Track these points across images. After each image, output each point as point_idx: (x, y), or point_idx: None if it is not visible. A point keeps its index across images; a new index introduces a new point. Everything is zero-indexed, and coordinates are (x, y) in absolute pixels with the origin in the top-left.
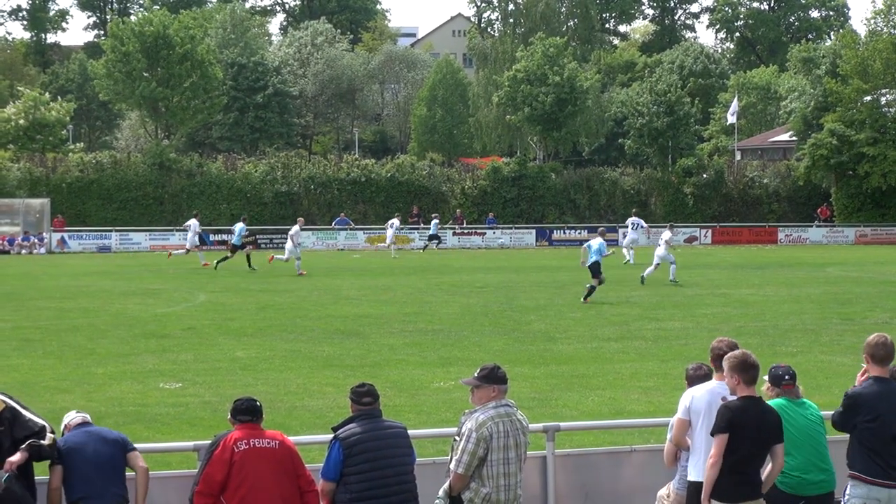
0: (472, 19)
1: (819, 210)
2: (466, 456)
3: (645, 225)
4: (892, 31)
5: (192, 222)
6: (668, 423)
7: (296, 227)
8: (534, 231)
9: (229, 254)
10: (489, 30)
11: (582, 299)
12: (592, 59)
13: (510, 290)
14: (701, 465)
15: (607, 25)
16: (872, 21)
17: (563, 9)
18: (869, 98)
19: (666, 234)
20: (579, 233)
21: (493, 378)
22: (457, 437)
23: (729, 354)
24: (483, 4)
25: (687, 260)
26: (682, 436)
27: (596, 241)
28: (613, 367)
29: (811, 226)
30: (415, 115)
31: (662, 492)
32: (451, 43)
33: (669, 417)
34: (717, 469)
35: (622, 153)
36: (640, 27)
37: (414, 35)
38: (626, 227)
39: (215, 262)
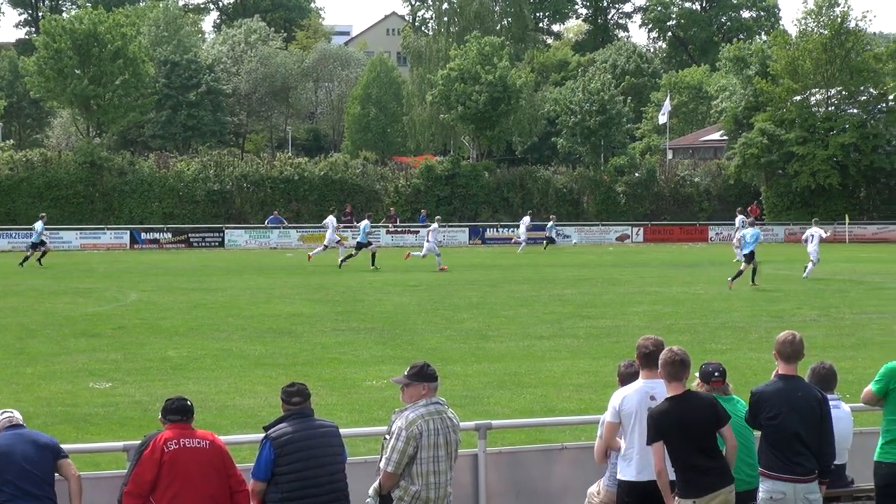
0: (407, 18)
1: (749, 208)
2: (396, 454)
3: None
4: (822, 31)
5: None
6: (599, 421)
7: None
8: (467, 230)
9: (354, 251)
10: (423, 28)
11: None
12: (526, 58)
13: (443, 289)
14: (634, 465)
15: (541, 24)
16: (803, 21)
17: (497, 8)
18: (799, 98)
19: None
20: (511, 231)
21: (422, 376)
22: (387, 436)
23: (662, 352)
24: (417, 3)
25: (618, 258)
26: (613, 438)
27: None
28: (545, 366)
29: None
30: (348, 114)
31: (593, 489)
32: (385, 41)
33: (601, 415)
34: (664, 476)
35: (555, 152)
36: (573, 26)
37: (348, 33)
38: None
39: (339, 260)
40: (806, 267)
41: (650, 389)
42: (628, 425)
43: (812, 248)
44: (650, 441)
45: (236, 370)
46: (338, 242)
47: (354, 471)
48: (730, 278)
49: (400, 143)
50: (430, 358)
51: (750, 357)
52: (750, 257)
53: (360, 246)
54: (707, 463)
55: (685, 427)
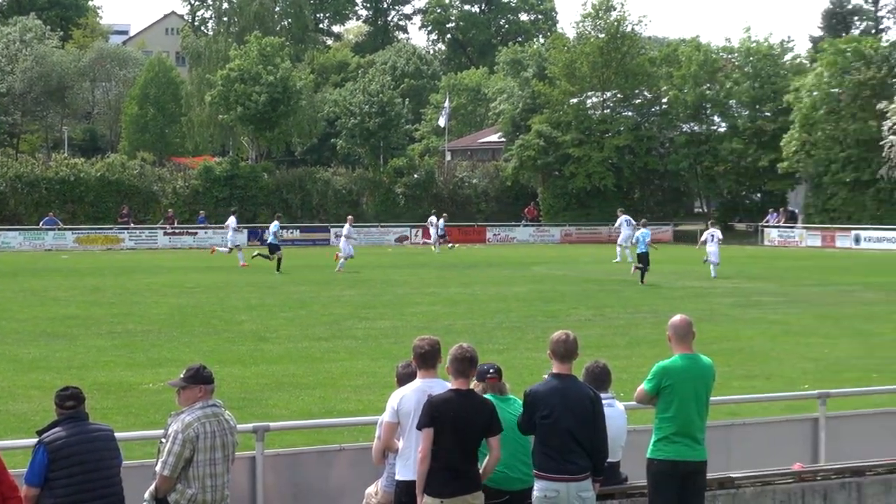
0: (186, 18)
1: (526, 210)
2: (172, 458)
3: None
4: (599, 34)
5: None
6: (377, 422)
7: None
8: (246, 231)
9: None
10: (203, 28)
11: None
12: (306, 58)
13: (221, 291)
14: (411, 464)
15: (321, 25)
16: (580, 24)
17: (278, 8)
18: (575, 100)
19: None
20: (292, 232)
21: (198, 378)
22: (163, 440)
23: (452, 348)
24: (196, 3)
25: (397, 259)
26: (391, 438)
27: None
28: (324, 367)
29: (518, 225)
30: (126, 114)
31: (370, 489)
32: (164, 41)
33: (379, 416)
34: (426, 464)
35: (335, 153)
36: (353, 28)
37: (126, 33)
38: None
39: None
40: (711, 267)
41: (428, 389)
42: (406, 425)
43: (713, 248)
44: (420, 425)
45: (9, 374)
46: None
47: (130, 474)
48: (639, 281)
49: (178, 144)
50: (207, 360)
51: (526, 357)
52: (644, 258)
53: (273, 249)
54: (464, 465)
55: (459, 422)
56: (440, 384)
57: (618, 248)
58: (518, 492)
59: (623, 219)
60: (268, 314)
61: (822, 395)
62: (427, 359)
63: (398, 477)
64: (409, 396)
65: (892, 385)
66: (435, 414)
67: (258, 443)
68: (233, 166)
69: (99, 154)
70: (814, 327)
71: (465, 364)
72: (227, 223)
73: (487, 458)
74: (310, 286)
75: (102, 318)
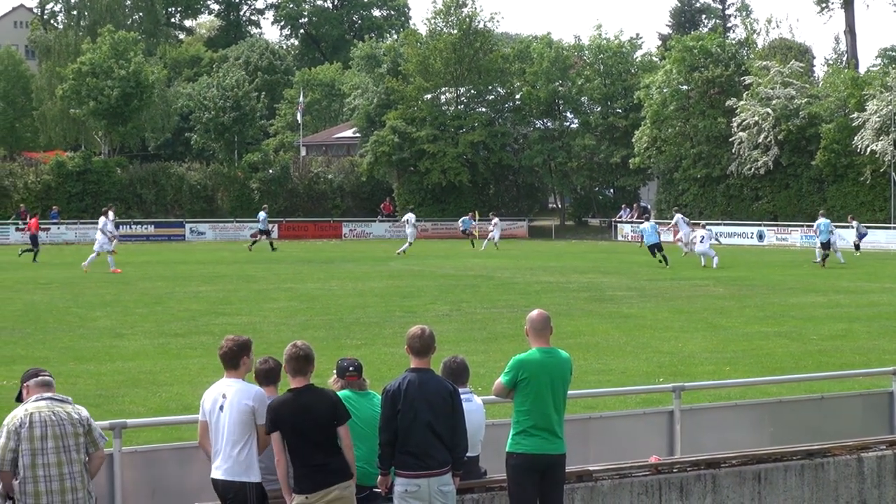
0: (35, 11)
1: (382, 205)
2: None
3: None
4: (451, 31)
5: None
6: None
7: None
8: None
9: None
10: (53, 22)
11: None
12: (158, 53)
13: (76, 287)
14: (217, 464)
15: (173, 20)
16: (433, 21)
17: (129, 2)
18: (430, 96)
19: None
20: (146, 227)
21: (26, 377)
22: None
23: (286, 347)
24: None
25: (253, 255)
26: (205, 437)
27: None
28: (181, 363)
29: (374, 220)
30: None
31: None
32: (12, 34)
33: None
34: (283, 466)
35: (189, 148)
36: (205, 22)
37: None
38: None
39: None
40: (713, 261)
41: (224, 388)
42: (210, 423)
43: (703, 248)
44: (268, 430)
45: None
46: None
47: None
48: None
49: (30, 139)
50: (62, 357)
51: (384, 352)
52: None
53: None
54: (323, 459)
55: (299, 420)
56: (240, 384)
57: (680, 244)
58: (375, 487)
59: (678, 217)
60: (123, 310)
61: (676, 388)
62: (227, 359)
63: (211, 476)
64: (208, 396)
65: (744, 378)
66: (276, 417)
67: (116, 440)
68: (85, 161)
69: None
70: (668, 321)
71: (301, 362)
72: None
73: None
74: (165, 282)
75: None
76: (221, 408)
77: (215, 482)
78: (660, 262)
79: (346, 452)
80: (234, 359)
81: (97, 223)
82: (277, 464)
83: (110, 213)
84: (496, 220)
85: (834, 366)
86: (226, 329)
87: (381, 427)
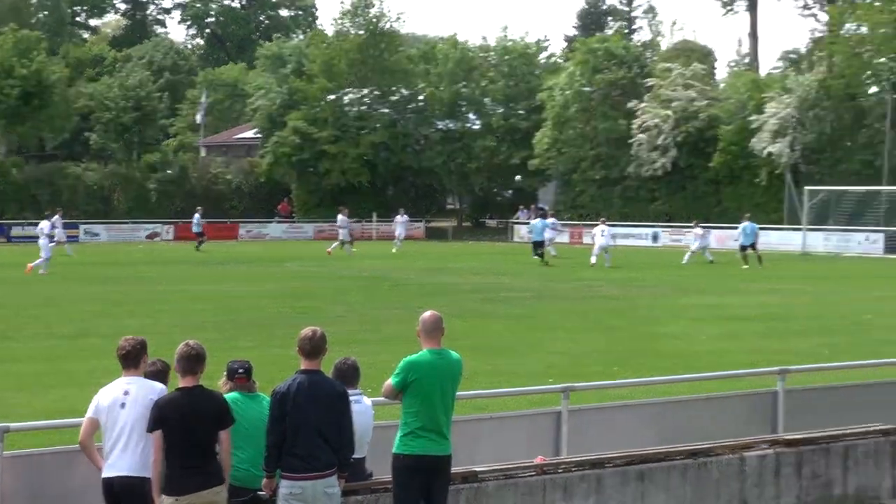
0: None
1: (280, 206)
2: None
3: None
4: (358, 31)
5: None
6: None
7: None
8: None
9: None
10: None
11: None
12: (61, 52)
13: None
14: (110, 462)
15: (78, 18)
16: (340, 21)
17: (34, 0)
18: (333, 97)
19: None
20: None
21: None
22: None
23: (179, 346)
24: None
25: (149, 256)
26: (89, 435)
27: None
28: (70, 366)
29: (272, 221)
30: None
31: None
32: None
33: None
34: (159, 465)
35: (87, 148)
36: (111, 21)
37: None
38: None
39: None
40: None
41: (126, 386)
42: (104, 423)
43: (604, 242)
44: (149, 428)
45: None
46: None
47: None
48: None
49: None
50: None
51: (276, 353)
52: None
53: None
54: (198, 462)
55: (187, 420)
56: (140, 382)
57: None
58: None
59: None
60: (12, 312)
61: (565, 388)
62: (128, 358)
63: (102, 475)
64: (107, 394)
65: (632, 378)
66: (161, 415)
67: None
68: None
69: None
70: (559, 322)
71: (192, 361)
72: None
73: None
74: (58, 283)
75: None
76: (123, 405)
77: (109, 480)
78: (540, 258)
79: (223, 457)
80: (136, 358)
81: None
82: (154, 463)
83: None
84: (399, 217)
85: (722, 366)
86: (118, 331)
87: (269, 429)
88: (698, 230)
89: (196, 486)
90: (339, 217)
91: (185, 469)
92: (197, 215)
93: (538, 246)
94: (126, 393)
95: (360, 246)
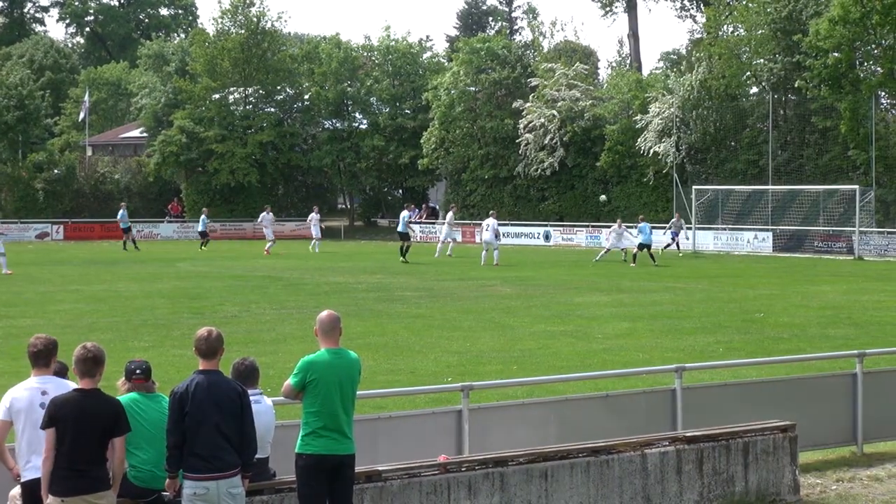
0: None
1: (170, 206)
2: None
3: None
4: (239, 30)
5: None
6: None
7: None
8: None
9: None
10: None
11: None
12: None
13: None
14: (32, 464)
15: None
16: (220, 20)
17: None
18: (218, 96)
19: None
20: None
21: None
22: None
23: (76, 349)
24: None
25: (39, 256)
26: (2, 438)
27: None
28: None
29: (162, 221)
30: None
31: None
32: None
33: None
34: (50, 463)
35: None
36: None
37: None
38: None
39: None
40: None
41: (42, 385)
42: (19, 423)
43: (489, 237)
44: (43, 426)
45: None
46: None
47: None
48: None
49: None
50: None
51: (173, 354)
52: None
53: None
54: (87, 465)
55: (81, 422)
56: (56, 382)
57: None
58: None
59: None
60: None
61: (465, 387)
62: (39, 357)
63: (23, 478)
64: (21, 395)
65: (530, 377)
66: (56, 414)
67: None
68: None
69: None
70: (456, 321)
71: (89, 364)
72: None
73: (113, 458)
74: None
75: None
76: (43, 405)
77: (30, 483)
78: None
79: (115, 464)
80: (48, 357)
81: None
82: (44, 461)
83: None
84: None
85: (618, 364)
86: (9, 332)
87: (169, 429)
88: (619, 229)
89: (82, 488)
90: (263, 215)
91: (73, 471)
92: (203, 216)
93: (404, 237)
94: (44, 393)
95: (254, 246)
